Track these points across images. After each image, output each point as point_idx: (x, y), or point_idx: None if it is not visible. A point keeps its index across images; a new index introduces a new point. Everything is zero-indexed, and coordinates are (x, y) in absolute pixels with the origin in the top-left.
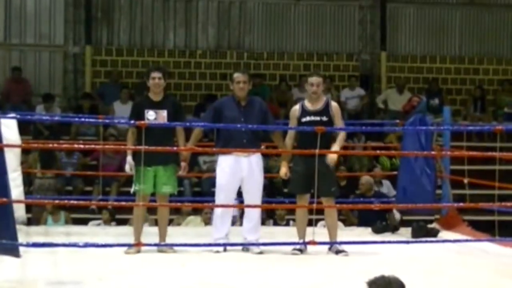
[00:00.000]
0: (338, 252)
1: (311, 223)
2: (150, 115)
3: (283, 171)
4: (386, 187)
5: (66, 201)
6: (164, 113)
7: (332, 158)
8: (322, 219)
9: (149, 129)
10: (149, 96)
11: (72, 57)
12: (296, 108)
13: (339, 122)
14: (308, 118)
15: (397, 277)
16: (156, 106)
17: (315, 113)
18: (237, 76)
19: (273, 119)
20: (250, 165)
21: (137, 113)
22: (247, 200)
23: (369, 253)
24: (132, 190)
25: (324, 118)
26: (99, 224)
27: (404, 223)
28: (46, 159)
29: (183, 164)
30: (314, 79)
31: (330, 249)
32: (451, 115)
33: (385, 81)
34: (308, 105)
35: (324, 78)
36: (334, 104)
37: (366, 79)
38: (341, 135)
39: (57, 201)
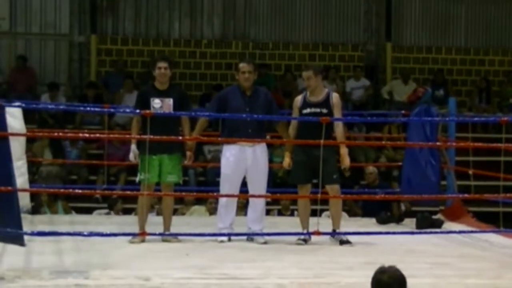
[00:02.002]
0: (342, 242)
1: (315, 213)
2: (156, 103)
3: (287, 161)
4: None
5: (70, 190)
6: (170, 102)
7: (347, 164)
8: (327, 209)
9: (154, 117)
10: (155, 85)
11: (78, 46)
12: (298, 99)
13: (338, 114)
14: (308, 110)
15: (397, 270)
16: (162, 95)
17: (315, 105)
18: (242, 66)
19: (278, 109)
20: (254, 155)
21: (143, 102)
22: (252, 190)
23: (373, 244)
24: (137, 179)
25: (324, 110)
26: (107, 213)
27: (408, 214)
28: (55, 147)
29: (188, 153)
30: (304, 74)
31: (333, 236)
32: (456, 106)
33: (390, 71)
34: (309, 96)
35: (315, 70)
36: (335, 95)
37: (371, 69)
38: (340, 131)
39: (61, 190)
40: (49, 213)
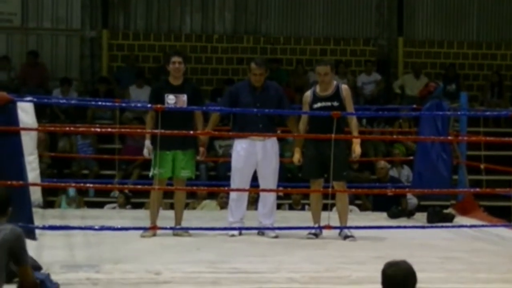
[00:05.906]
0: (346, 237)
1: (326, 207)
2: (170, 99)
3: (296, 157)
4: (407, 172)
5: (82, 185)
6: (184, 98)
7: (358, 152)
8: None
9: (168, 113)
10: (169, 80)
11: (89, 41)
12: (308, 94)
13: (349, 106)
14: (319, 104)
15: (407, 264)
16: (176, 90)
17: (325, 99)
18: (254, 68)
19: (289, 104)
20: (265, 149)
21: (157, 97)
22: (262, 184)
23: (384, 238)
24: (150, 174)
25: (335, 103)
26: (114, 208)
27: (419, 208)
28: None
29: (201, 149)
30: (321, 69)
31: (340, 234)
32: (468, 100)
33: (402, 66)
34: (319, 91)
35: (331, 65)
36: (344, 87)
37: (383, 64)
38: (354, 123)
39: (73, 185)
40: (65, 204)
